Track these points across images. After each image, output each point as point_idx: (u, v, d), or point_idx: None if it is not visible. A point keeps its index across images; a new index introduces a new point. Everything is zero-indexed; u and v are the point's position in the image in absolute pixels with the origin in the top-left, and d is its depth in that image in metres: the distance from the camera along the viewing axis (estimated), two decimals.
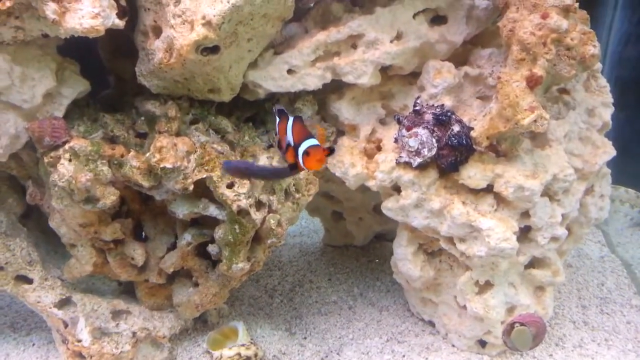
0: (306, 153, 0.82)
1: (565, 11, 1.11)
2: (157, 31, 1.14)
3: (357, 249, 1.71)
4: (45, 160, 1.14)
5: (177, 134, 1.22)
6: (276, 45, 1.24)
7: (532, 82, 1.11)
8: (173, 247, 1.33)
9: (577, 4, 1.12)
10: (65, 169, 1.12)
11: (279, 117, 0.93)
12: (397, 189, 1.25)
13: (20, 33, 1.06)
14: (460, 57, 1.29)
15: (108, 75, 1.37)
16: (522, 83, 1.11)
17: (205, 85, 1.19)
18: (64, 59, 1.19)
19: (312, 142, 0.83)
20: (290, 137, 0.87)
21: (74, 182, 1.11)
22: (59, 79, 1.16)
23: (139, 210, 1.31)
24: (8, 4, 0.96)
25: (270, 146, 1.29)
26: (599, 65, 1.31)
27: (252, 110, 1.33)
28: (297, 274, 1.62)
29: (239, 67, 1.19)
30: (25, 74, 1.11)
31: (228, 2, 1.05)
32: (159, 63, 1.13)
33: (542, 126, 1.11)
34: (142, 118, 1.24)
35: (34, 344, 1.42)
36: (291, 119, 0.90)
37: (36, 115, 1.16)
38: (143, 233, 1.32)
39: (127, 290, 1.42)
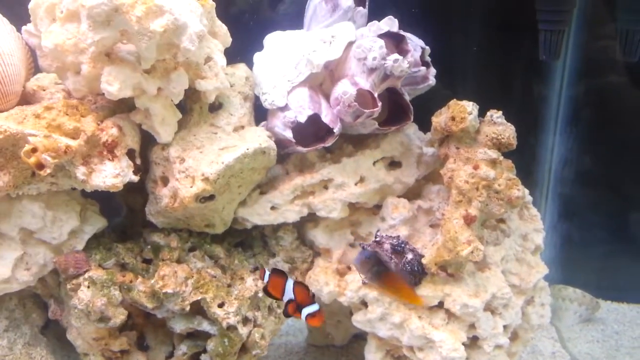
0: (311, 315, 1.11)
1: (493, 163, 1.38)
2: (165, 181, 1.41)
3: (338, 349, 1.89)
4: (68, 286, 1.37)
5: (178, 261, 1.46)
6: (262, 186, 1.50)
7: (468, 220, 1.36)
8: (171, 355, 1.53)
9: (501, 157, 1.40)
10: (84, 295, 1.35)
11: (271, 273, 1.20)
12: (364, 304, 1.47)
13: (54, 187, 1.32)
14: (414, 190, 1.55)
15: (121, 206, 1.62)
16: (460, 221, 1.36)
17: (203, 222, 1.45)
18: (87, 201, 1.45)
19: (316, 307, 1.14)
20: (290, 295, 1.14)
21: (91, 305, 1.34)
22: (82, 218, 1.42)
23: (142, 324, 1.53)
24: (48, 171, 1.22)
25: (256, 268, 1.52)
26: (529, 198, 1.57)
27: (241, 237, 1.57)
28: None
29: (230, 207, 1.45)
30: (56, 216, 1.36)
31: (222, 162, 1.32)
32: (165, 206, 1.39)
33: (478, 256, 1.35)
34: (149, 247, 1.48)
35: None
36: (291, 280, 1.16)
37: (61, 248, 1.40)
38: (145, 343, 1.54)
39: None
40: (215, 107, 1.48)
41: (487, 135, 1.40)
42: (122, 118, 1.36)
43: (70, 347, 1.53)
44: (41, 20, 1.32)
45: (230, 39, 1.49)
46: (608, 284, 2.15)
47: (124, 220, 1.62)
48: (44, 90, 1.36)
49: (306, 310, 1.13)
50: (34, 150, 1.21)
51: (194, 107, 1.45)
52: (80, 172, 1.27)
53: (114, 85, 1.24)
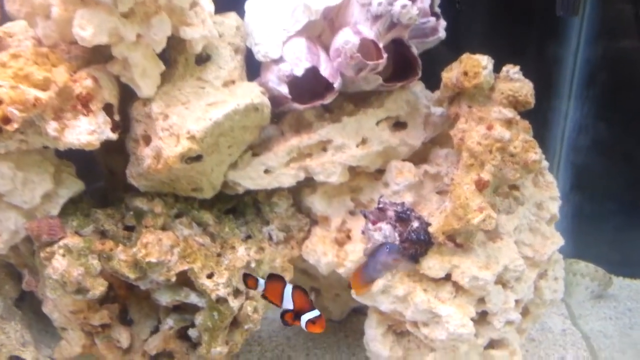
0: (311, 322, 1.02)
1: (508, 123, 1.26)
2: (147, 140, 1.28)
3: (335, 324, 1.80)
4: (41, 254, 1.25)
5: (163, 228, 1.34)
6: (254, 147, 1.38)
7: (480, 185, 1.24)
8: (156, 330, 1.43)
9: (518, 117, 1.27)
10: (59, 264, 1.23)
11: (267, 280, 1.08)
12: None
13: (23, 144, 1.19)
14: (420, 154, 1.43)
15: (99, 169, 1.50)
16: (472, 186, 1.24)
17: (189, 185, 1.32)
18: (61, 162, 1.32)
19: (315, 313, 1.03)
20: (289, 301, 1.05)
21: (66, 275, 1.22)
22: (56, 180, 1.29)
23: (124, 296, 1.41)
24: (16, 126, 1.09)
25: (249, 237, 1.41)
26: (545, 163, 1.45)
27: (232, 203, 1.45)
28: (276, 349, 1.70)
29: (219, 169, 1.32)
30: (27, 178, 1.23)
31: (210, 119, 1.20)
32: (148, 168, 1.26)
33: (490, 225, 1.23)
34: (131, 213, 1.35)
35: None
36: (289, 286, 1.06)
37: (34, 213, 1.28)
38: (129, 317, 1.43)
39: None
40: (203, 59, 1.34)
41: (502, 93, 1.27)
42: (98, 69, 1.22)
43: (47, 320, 1.41)
44: None
45: None
46: (621, 259, 2.04)
47: (104, 184, 1.50)
48: (11, 37, 1.21)
49: (306, 317, 1.03)
50: (0, 102, 1.09)
51: (178, 59, 1.31)
52: (52, 127, 1.14)
53: (87, 29, 1.11)
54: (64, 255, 1.24)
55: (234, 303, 1.31)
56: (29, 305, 1.47)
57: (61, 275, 1.22)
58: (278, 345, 1.73)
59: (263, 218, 1.44)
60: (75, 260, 1.24)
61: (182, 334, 1.41)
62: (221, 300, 1.29)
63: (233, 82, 1.33)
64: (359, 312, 1.86)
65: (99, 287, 1.26)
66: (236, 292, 1.32)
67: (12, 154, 1.22)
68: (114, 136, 1.21)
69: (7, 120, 1.09)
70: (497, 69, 1.31)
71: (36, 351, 1.39)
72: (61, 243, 1.24)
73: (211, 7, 1.28)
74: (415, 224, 1.28)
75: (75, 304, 1.29)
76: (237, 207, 1.46)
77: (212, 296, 1.28)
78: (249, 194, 1.43)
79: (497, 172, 1.25)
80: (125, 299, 1.41)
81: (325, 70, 1.24)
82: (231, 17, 1.39)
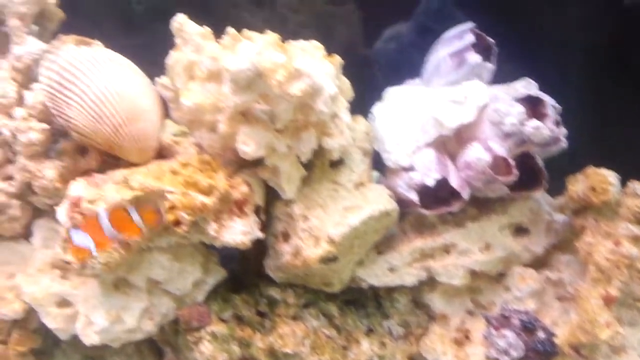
0: None
1: (635, 239, 1.28)
2: (286, 237, 1.41)
3: None
4: (190, 338, 1.38)
5: (294, 317, 1.45)
6: (378, 245, 1.47)
7: (608, 301, 1.27)
8: None
9: None
10: (206, 349, 1.36)
11: None
12: None
13: (184, 240, 1.35)
14: (541, 259, 1.47)
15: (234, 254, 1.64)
16: (599, 301, 1.27)
17: (321, 280, 1.43)
18: (208, 252, 1.48)
19: None
20: None
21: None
22: (204, 270, 1.44)
23: None
24: (185, 228, 1.25)
25: (370, 330, 1.48)
26: None
27: (353, 295, 1.54)
28: None
29: (349, 267, 1.42)
30: (182, 268, 1.39)
31: (349, 225, 1.31)
32: (286, 263, 1.38)
33: (617, 341, 1.25)
34: (265, 300, 1.47)
35: None
36: None
37: (184, 299, 1.43)
38: None
39: None
40: (336, 162, 1.47)
41: (629, 209, 1.30)
42: (250, 174, 1.38)
43: None
44: (178, 76, 1.36)
45: (352, 94, 1.49)
46: None
47: (237, 268, 1.63)
48: (178, 144, 1.40)
49: None
50: (172, 207, 1.25)
51: (316, 163, 1.45)
52: (212, 228, 1.30)
53: (250, 145, 1.26)
54: (210, 341, 1.37)
55: None
56: None
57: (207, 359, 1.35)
58: None
59: (383, 312, 1.51)
60: (219, 345, 1.36)
61: None
62: None
63: (362, 184, 1.44)
64: None
65: None
66: None
67: (171, 248, 1.38)
68: (262, 235, 1.35)
69: (178, 223, 1.25)
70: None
71: None
72: (208, 329, 1.38)
73: (348, 118, 1.41)
74: (542, 335, 1.31)
75: None
76: (358, 299, 1.55)
77: None
78: (370, 288, 1.52)
79: (624, 287, 1.27)
80: None
81: (454, 182, 1.33)
82: (361, 123, 1.51)
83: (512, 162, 1.29)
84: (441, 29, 2.16)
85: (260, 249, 1.56)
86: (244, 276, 1.61)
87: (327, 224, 1.33)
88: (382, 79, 1.90)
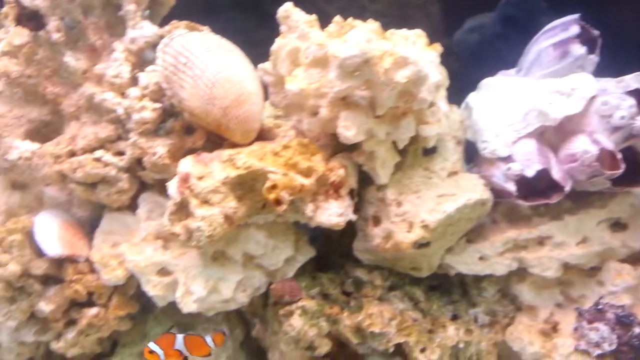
0: None
1: None
2: (376, 220, 1.43)
3: None
4: (280, 312, 1.44)
5: (379, 299, 1.48)
6: (468, 233, 1.47)
7: None
8: None
9: None
10: (296, 323, 1.41)
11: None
12: None
13: (279, 218, 1.40)
14: (636, 255, 1.43)
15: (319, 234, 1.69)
16: None
17: (410, 264, 1.45)
18: (299, 230, 1.53)
19: None
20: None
21: (302, 334, 1.40)
22: (295, 247, 1.49)
23: (335, 354, 1.57)
24: (284, 207, 1.30)
25: (455, 316, 1.50)
26: None
27: (438, 280, 1.56)
28: None
29: (439, 253, 1.44)
30: (275, 245, 1.45)
31: (444, 212, 1.32)
32: (376, 246, 1.41)
33: None
34: (350, 280, 1.52)
35: None
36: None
37: (275, 274, 1.49)
38: None
39: None
40: (429, 150, 1.48)
41: None
42: (346, 158, 1.41)
43: None
44: (282, 62, 1.40)
45: (448, 82, 1.48)
46: None
47: (321, 248, 1.68)
48: (278, 127, 1.44)
49: None
50: (274, 187, 1.30)
51: (409, 150, 1.46)
52: (309, 209, 1.34)
53: (351, 130, 1.29)
54: (300, 315, 1.42)
55: None
56: (247, 348, 1.69)
57: (297, 333, 1.41)
58: None
59: (469, 300, 1.52)
60: (308, 320, 1.42)
61: None
62: None
63: (456, 172, 1.44)
64: None
65: (324, 347, 1.43)
66: None
67: (266, 224, 1.44)
68: (355, 217, 1.38)
69: (278, 202, 1.30)
70: None
71: None
72: (299, 304, 1.43)
73: (446, 107, 1.41)
74: (637, 330, 1.28)
75: (301, 358, 1.47)
76: (443, 285, 1.56)
77: None
78: (456, 275, 1.53)
79: None
80: (335, 356, 1.57)
81: (556, 174, 1.31)
82: (455, 112, 1.51)
83: (619, 156, 1.25)
84: (526, 20, 2.11)
85: (344, 231, 1.60)
86: (328, 257, 1.65)
87: (421, 210, 1.35)
88: (462, 69, 1.88)
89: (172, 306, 1.54)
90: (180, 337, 1.36)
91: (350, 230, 1.56)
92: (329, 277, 1.53)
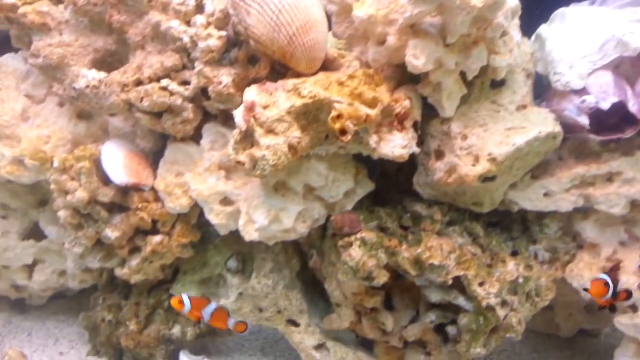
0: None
1: None
2: (439, 155, 1.42)
3: (561, 341, 1.83)
4: (340, 243, 1.46)
5: (438, 233, 1.49)
6: (533, 169, 1.44)
7: None
8: (413, 320, 1.60)
9: None
10: (355, 253, 1.43)
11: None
12: (634, 308, 1.38)
13: (341, 150, 1.40)
14: None
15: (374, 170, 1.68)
16: None
17: (471, 199, 1.44)
18: (359, 164, 1.53)
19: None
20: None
21: (361, 264, 1.43)
22: (355, 181, 1.49)
23: (391, 286, 1.60)
24: (349, 137, 1.29)
25: (514, 253, 1.49)
26: None
27: (498, 217, 1.54)
28: (501, 355, 1.80)
29: (503, 188, 1.42)
30: (336, 177, 1.45)
31: (513, 145, 1.29)
32: (438, 180, 1.40)
33: None
34: (408, 215, 1.52)
35: None
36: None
37: (334, 207, 1.50)
38: (392, 304, 1.62)
39: (364, 343, 1.72)
40: (497, 83, 1.43)
41: None
42: (410, 90, 1.38)
43: (317, 295, 1.69)
44: None
45: (520, 11, 1.41)
46: None
47: (377, 183, 1.68)
48: (344, 58, 1.42)
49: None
50: (340, 116, 1.29)
51: (475, 82, 1.42)
52: (373, 140, 1.33)
53: (420, 59, 1.25)
54: (360, 247, 1.44)
55: (501, 312, 1.42)
56: (302, 279, 1.73)
57: (356, 264, 1.43)
58: (504, 350, 1.82)
59: (530, 237, 1.51)
60: (368, 251, 1.44)
61: (436, 328, 1.57)
62: (489, 308, 1.41)
63: (525, 107, 1.40)
64: (586, 333, 1.87)
65: (382, 277, 1.45)
66: (503, 303, 1.43)
67: (328, 157, 1.44)
68: (418, 150, 1.37)
69: (344, 132, 1.30)
70: None
71: (309, 319, 1.65)
72: (359, 236, 1.45)
73: (519, 37, 1.35)
74: None
75: (359, 288, 1.50)
76: (503, 222, 1.55)
77: (482, 303, 1.40)
78: (518, 212, 1.52)
79: None
80: (390, 288, 1.60)
81: (633, 107, 1.25)
82: (526, 44, 1.45)
83: None
84: None
85: (400, 166, 1.59)
86: (383, 191, 1.66)
87: (488, 143, 1.32)
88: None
89: (232, 236, 1.59)
90: (213, 305, 1.44)
91: (407, 166, 1.55)
92: (387, 211, 1.54)
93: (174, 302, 1.43)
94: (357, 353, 1.63)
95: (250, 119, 1.30)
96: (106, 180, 1.52)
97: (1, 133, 1.61)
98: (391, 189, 1.63)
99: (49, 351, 1.83)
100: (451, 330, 1.51)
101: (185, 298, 1.42)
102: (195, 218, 1.62)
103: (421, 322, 1.55)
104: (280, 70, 1.41)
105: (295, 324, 1.65)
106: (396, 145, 1.33)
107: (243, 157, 1.33)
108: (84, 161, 1.47)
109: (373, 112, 1.30)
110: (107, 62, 1.50)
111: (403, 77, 1.42)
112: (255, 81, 1.39)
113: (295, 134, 1.30)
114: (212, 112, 1.47)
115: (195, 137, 1.53)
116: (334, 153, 1.42)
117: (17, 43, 1.60)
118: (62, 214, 1.53)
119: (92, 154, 1.48)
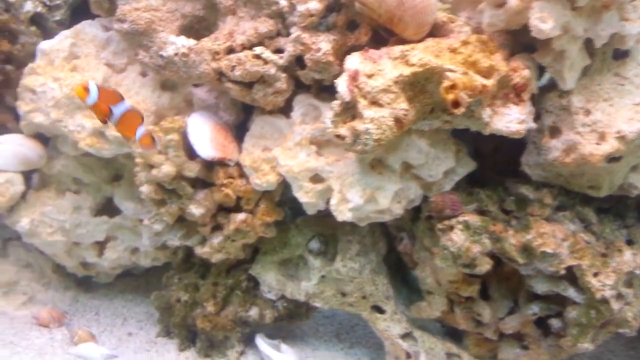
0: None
1: None
2: (554, 131, 1.29)
3: None
4: (439, 226, 1.36)
5: (546, 218, 1.37)
6: None
7: None
8: (510, 311, 1.49)
9: None
10: (458, 238, 1.33)
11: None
12: None
13: (446, 125, 1.29)
14: None
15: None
16: None
17: (588, 182, 1.32)
18: (459, 142, 1.42)
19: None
20: None
21: (465, 250, 1.32)
22: (457, 159, 1.38)
23: (487, 275, 1.50)
24: (462, 110, 1.18)
25: (629, 241, 1.36)
26: None
27: (610, 203, 1.41)
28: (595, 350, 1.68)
29: (625, 170, 1.29)
30: (436, 155, 1.35)
31: None
32: (553, 160, 1.28)
33: None
34: (511, 198, 1.40)
35: (359, 359, 1.72)
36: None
37: (432, 187, 1.40)
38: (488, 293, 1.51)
39: (449, 334, 1.62)
40: (621, 54, 1.30)
41: None
42: (527, 59, 1.26)
43: (403, 281, 1.60)
44: None
45: None
46: None
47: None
48: (453, 22, 1.30)
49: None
50: (453, 86, 1.18)
51: (596, 52, 1.29)
52: (486, 114, 1.22)
53: (547, 22, 1.13)
54: (462, 230, 1.34)
55: (615, 305, 1.30)
56: (387, 263, 1.64)
57: (458, 249, 1.33)
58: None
59: None
60: (471, 236, 1.33)
61: (535, 321, 1.46)
62: (603, 301, 1.29)
63: None
64: None
65: (485, 265, 1.34)
66: (618, 296, 1.31)
67: (428, 132, 1.34)
68: (535, 126, 1.25)
69: (457, 104, 1.19)
70: None
71: (395, 306, 1.57)
72: (460, 219, 1.34)
73: None
74: None
75: (456, 276, 1.40)
76: (615, 207, 1.42)
77: (596, 295, 1.28)
78: (633, 198, 1.39)
79: None
80: (487, 277, 1.49)
81: None
82: None
83: None
84: None
85: (497, 145, 1.48)
86: (479, 172, 1.54)
87: (616, 119, 1.20)
88: None
89: (313, 216, 1.51)
90: (126, 104, 1.21)
91: (506, 145, 1.44)
92: (487, 193, 1.42)
93: (77, 88, 1.18)
94: (445, 343, 1.53)
95: (354, 88, 1.21)
96: (190, 154, 1.47)
97: (81, 103, 1.56)
98: (488, 169, 1.51)
99: (117, 331, 1.78)
100: (555, 323, 1.40)
101: (92, 84, 1.17)
102: (279, 196, 1.54)
103: (521, 314, 1.44)
104: (380, 37, 1.31)
105: (380, 310, 1.57)
106: (512, 119, 1.22)
107: (344, 131, 1.24)
108: (173, 133, 1.41)
109: (489, 82, 1.19)
110: (194, 28, 1.42)
111: (516, 45, 1.29)
112: (354, 48, 1.30)
113: (402, 105, 1.20)
114: (306, 82, 1.37)
115: (284, 110, 1.45)
116: (437, 128, 1.32)
117: (95, 9, 1.55)
118: (144, 188, 1.47)
119: (180, 126, 1.41)
